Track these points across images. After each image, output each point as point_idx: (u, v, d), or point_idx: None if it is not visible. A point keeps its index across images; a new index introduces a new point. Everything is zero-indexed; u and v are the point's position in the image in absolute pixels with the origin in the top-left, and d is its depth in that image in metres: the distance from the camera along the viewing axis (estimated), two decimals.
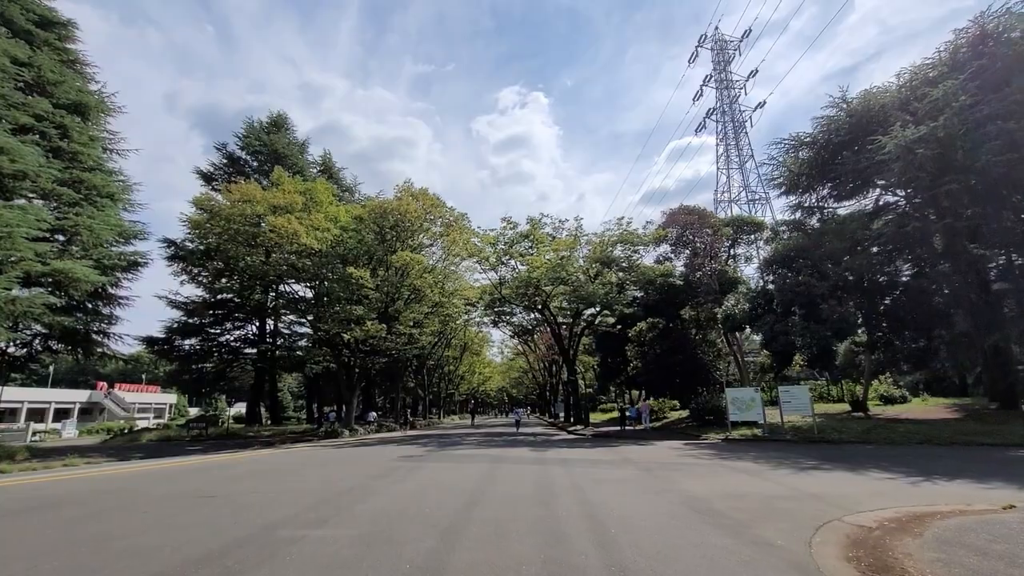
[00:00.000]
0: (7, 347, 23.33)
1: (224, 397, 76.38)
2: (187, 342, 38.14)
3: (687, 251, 28.23)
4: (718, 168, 49.28)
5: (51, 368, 62.90)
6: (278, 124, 39.32)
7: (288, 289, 34.86)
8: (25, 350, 25.07)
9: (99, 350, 26.24)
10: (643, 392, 42.87)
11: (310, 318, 31.37)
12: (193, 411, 70.56)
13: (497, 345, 72.39)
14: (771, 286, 21.50)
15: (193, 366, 38.56)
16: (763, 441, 17.63)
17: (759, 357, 31.00)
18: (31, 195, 19.42)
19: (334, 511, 6.78)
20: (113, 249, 23.07)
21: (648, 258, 29.60)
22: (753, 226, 29.14)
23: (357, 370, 32.10)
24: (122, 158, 26.54)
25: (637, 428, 27.71)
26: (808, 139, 23.35)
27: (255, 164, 37.85)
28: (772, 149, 25.02)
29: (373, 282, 26.43)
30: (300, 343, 42.13)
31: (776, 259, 21.03)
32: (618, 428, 28.19)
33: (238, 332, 41.09)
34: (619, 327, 32.44)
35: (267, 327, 40.80)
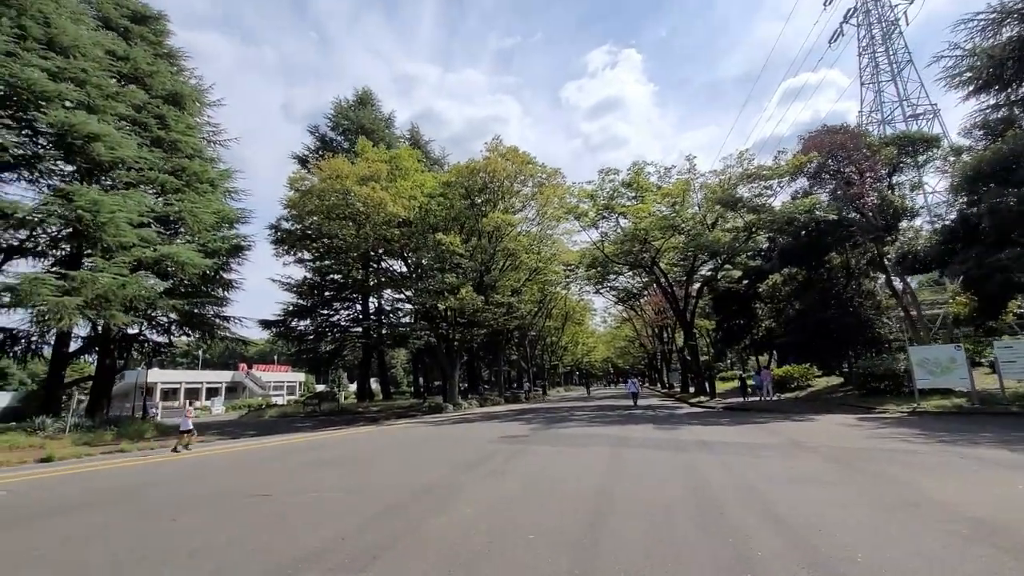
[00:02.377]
0: (140, 332, 25.14)
1: (345, 374, 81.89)
2: (302, 323, 39.96)
3: (833, 183, 22.85)
4: (863, 84, 40.42)
5: (200, 352, 71.38)
6: (364, 101, 39.01)
7: (386, 265, 34.77)
8: (165, 336, 26.94)
9: (220, 333, 27.61)
10: (773, 357, 37.55)
11: (408, 292, 30.83)
12: (320, 388, 76.55)
13: (600, 313, 68.79)
14: (972, 209, 16.09)
15: (308, 346, 40.48)
16: (976, 415, 13.09)
17: (943, 307, 24.74)
18: (139, 184, 20.00)
19: (394, 532, 4.67)
20: (217, 234, 23.56)
21: (780, 197, 24.60)
22: (924, 143, 22.81)
23: (457, 343, 31.11)
24: (225, 149, 27.32)
25: (764, 399, 23.72)
26: (1019, 7, 17.11)
27: (346, 145, 37.92)
28: (958, 33, 18.89)
29: (465, 249, 24.76)
30: (404, 319, 42.62)
31: (981, 173, 15.57)
32: (741, 399, 24.36)
33: (346, 312, 42.42)
34: (745, 282, 27.81)
35: (370, 305, 41.61)
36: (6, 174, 17.78)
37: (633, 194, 26.02)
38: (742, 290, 29.65)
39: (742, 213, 23.19)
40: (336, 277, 38.51)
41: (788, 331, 25.42)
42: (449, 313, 29.00)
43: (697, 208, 24.70)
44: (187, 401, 30.15)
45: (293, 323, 39.08)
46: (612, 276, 35.87)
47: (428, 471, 7.91)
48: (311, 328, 40.28)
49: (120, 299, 16.79)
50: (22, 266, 22.57)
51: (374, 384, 52.10)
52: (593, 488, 6.13)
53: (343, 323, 41.59)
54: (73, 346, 23.01)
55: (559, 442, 11.03)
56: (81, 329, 23.30)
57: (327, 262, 35.94)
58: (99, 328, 21.81)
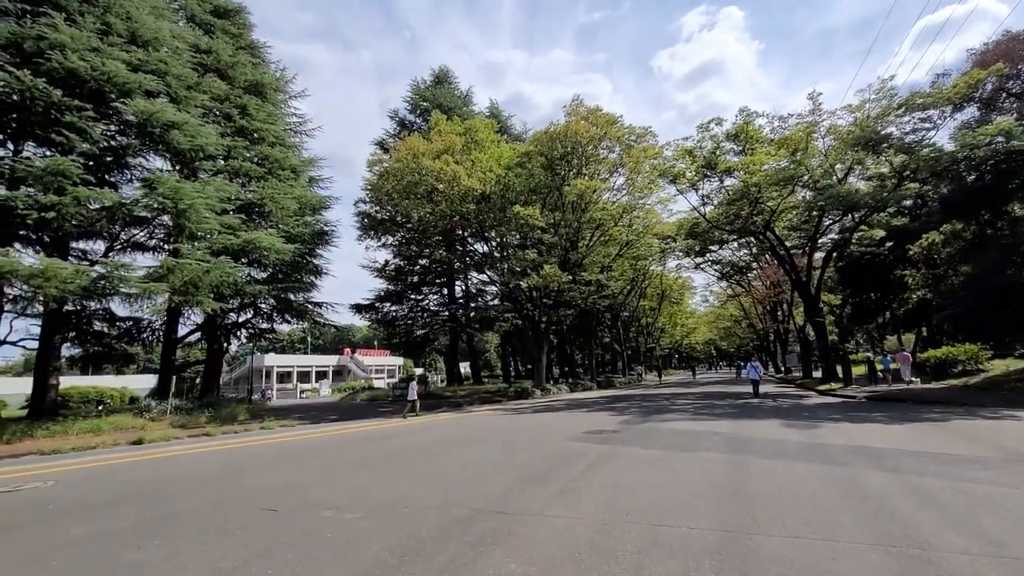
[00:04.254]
0: (247, 319, 26.31)
1: (441, 358, 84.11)
2: (393, 308, 40.52)
3: (1018, 107, 17.53)
4: None
5: (308, 338, 76.98)
6: (441, 79, 38.12)
7: (469, 247, 33.85)
8: (268, 323, 28.15)
9: (313, 318, 28.24)
10: (920, 335, 31.38)
11: (490, 273, 29.61)
12: (417, 371, 79.29)
13: (700, 291, 63.03)
14: None
15: (401, 330, 41.04)
16: None
17: None
18: (223, 172, 20.42)
19: None
20: (300, 219, 23.69)
21: (941, 134, 19.48)
22: None
23: (543, 325, 29.35)
24: (311, 138, 27.68)
25: (903, 387, 19.33)
26: None
27: (424, 126, 37.34)
28: None
29: (545, 221, 22.76)
30: (492, 302, 41.82)
31: None
32: (873, 386, 20.13)
33: (434, 297, 42.47)
34: (888, 244, 22.86)
35: (458, 289, 41.25)
36: (118, 175, 18.84)
37: (739, 147, 22.18)
38: (882, 255, 24.56)
39: (888, 156, 18.55)
40: (423, 262, 38.40)
41: (952, 302, 20.39)
42: (534, 293, 27.31)
43: (823, 156, 20.35)
44: (412, 376, 32.04)
45: (384, 308, 39.71)
46: (715, 247, 31.89)
47: (484, 481, 6.13)
48: (402, 312, 40.78)
49: (207, 285, 17.02)
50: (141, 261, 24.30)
51: (464, 368, 52.26)
52: (715, 535, 3.91)
53: (432, 307, 41.67)
54: (182, 334, 24.63)
55: (656, 442, 8.76)
56: (199, 316, 24.87)
57: (413, 248, 35.85)
58: (210, 314, 22.64)
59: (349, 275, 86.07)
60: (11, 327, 18.70)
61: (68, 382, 33.44)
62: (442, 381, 49.44)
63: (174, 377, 22.12)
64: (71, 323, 20.88)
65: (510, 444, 9.23)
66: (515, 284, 25.33)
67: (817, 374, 30.10)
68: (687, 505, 4.74)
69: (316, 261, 26.80)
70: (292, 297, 24.57)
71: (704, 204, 24.18)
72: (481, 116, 40.29)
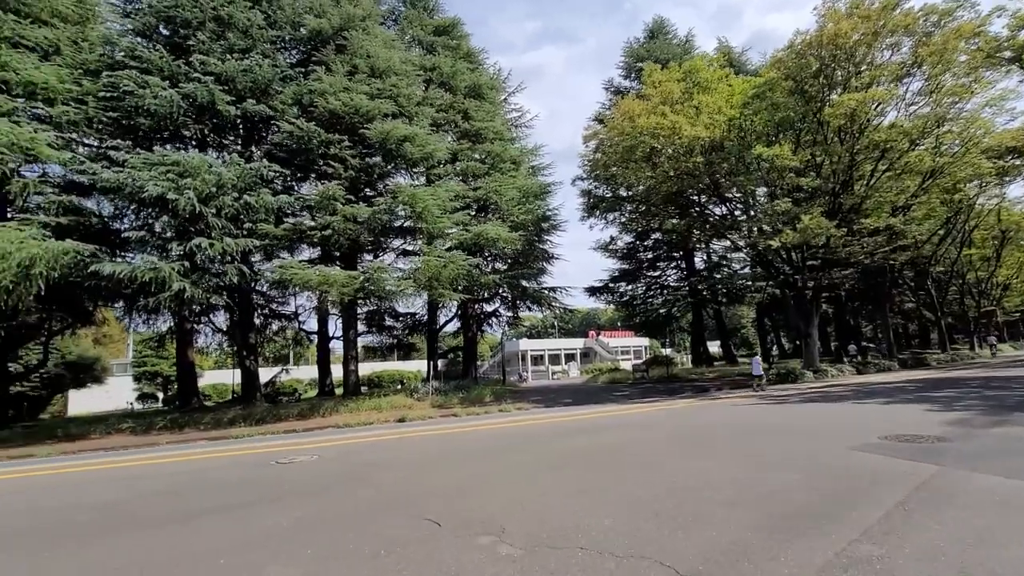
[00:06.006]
0: (487, 308, 28.73)
1: (690, 336, 78.95)
2: (628, 287, 39.12)
3: None
4: None
5: (556, 323, 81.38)
6: (655, 32, 34.53)
7: (707, 209, 29.88)
8: (512, 310, 30.34)
9: (551, 303, 28.98)
10: None
11: (731, 235, 25.31)
12: (666, 352, 75.78)
13: None
14: None
15: (639, 309, 39.34)
16: None
17: None
18: (448, 175, 22.24)
19: None
20: (524, 207, 24.25)
21: None
22: None
23: (810, 291, 23.63)
24: (529, 128, 28.53)
25: None
26: None
27: (640, 88, 34.55)
28: None
29: (799, 160, 17.90)
30: (741, 270, 36.55)
31: None
32: None
33: (673, 272, 39.44)
34: None
35: (696, 260, 37.37)
36: (378, 196, 22.46)
37: None
38: None
39: None
40: (655, 236, 35.83)
41: None
42: (792, 254, 22.15)
43: None
44: (756, 352, 33.66)
45: (619, 288, 38.59)
46: None
47: (708, 516, 4.19)
48: (638, 291, 39.06)
49: (446, 278, 18.64)
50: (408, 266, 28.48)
51: (715, 347, 47.34)
52: None
53: (671, 283, 38.78)
54: (441, 324, 28.20)
55: None
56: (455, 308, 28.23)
57: (641, 221, 33.68)
58: (459, 303, 24.95)
59: (585, 259, 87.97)
60: (336, 326, 24.14)
61: (381, 367, 42.18)
62: (678, 364, 45.61)
63: (439, 361, 25.25)
64: (367, 320, 25.82)
65: (758, 453, 6.77)
66: (764, 245, 20.89)
67: None
68: None
69: (544, 247, 27.37)
70: (525, 284, 25.51)
71: None
72: (704, 57, 35.27)
